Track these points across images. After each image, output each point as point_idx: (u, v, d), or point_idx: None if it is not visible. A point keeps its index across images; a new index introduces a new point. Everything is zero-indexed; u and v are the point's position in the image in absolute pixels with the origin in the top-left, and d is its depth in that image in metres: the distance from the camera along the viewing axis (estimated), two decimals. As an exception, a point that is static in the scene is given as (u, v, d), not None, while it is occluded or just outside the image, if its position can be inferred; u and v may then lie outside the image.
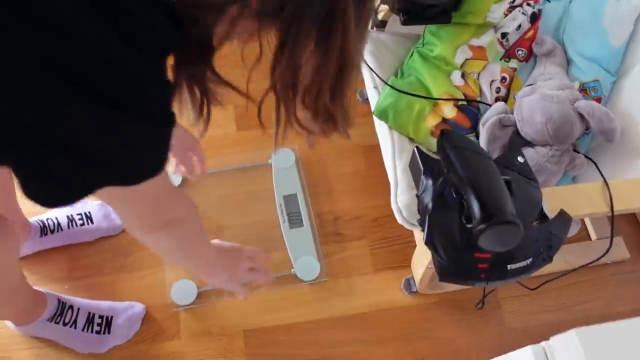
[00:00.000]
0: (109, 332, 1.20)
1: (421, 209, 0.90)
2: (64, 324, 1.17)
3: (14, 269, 0.98)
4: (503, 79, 1.16)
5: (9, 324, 1.16)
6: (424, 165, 0.92)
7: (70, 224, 1.29)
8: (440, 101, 1.13)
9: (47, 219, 1.29)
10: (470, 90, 1.14)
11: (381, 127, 1.15)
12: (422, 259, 1.17)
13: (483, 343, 1.28)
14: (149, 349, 1.23)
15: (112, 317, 1.21)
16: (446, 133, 0.83)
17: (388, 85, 1.14)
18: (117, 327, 1.21)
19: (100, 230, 1.32)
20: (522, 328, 1.30)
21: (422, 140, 1.14)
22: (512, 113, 1.10)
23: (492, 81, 1.16)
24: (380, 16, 1.28)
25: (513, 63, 1.17)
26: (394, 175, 1.10)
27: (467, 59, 1.16)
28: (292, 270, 1.32)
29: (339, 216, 1.40)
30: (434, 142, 1.13)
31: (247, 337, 1.26)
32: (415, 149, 0.93)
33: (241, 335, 1.26)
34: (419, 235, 1.17)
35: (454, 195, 0.85)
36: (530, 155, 1.08)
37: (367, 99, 1.21)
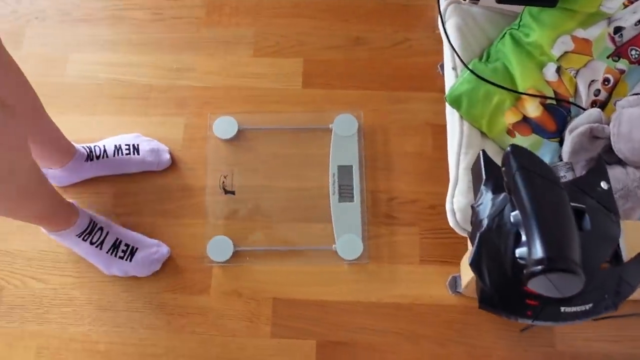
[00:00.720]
0: (130, 260, 1.21)
1: (474, 222, 0.79)
2: (91, 243, 1.19)
3: (20, 160, 0.94)
4: (606, 80, 1.00)
5: (42, 229, 1.18)
6: (486, 174, 0.81)
7: (116, 152, 1.28)
8: (524, 96, 0.99)
9: (95, 146, 1.28)
10: (564, 89, 0.99)
11: (452, 115, 1.03)
12: (470, 277, 1.07)
13: (524, 362, 1.18)
14: (176, 299, 1.22)
15: (136, 249, 1.22)
16: (516, 149, 0.71)
17: (468, 69, 1.01)
18: (138, 259, 1.22)
19: (145, 162, 1.31)
20: (572, 354, 1.18)
21: (495, 136, 1.01)
22: (608, 124, 0.95)
23: (592, 81, 1.00)
24: (475, -14, 1.13)
25: (622, 64, 1.00)
26: (455, 172, 0.98)
27: (566, 52, 1.00)
28: (333, 246, 1.25)
29: (394, 197, 1.31)
30: (509, 140, 1.01)
31: (275, 306, 1.22)
32: (481, 152, 0.82)
33: (270, 303, 1.22)
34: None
35: (512, 221, 0.74)
36: (618, 177, 0.93)
37: (448, 75, 1.08)
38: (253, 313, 1.22)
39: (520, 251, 0.70)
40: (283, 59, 1.43)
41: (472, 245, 0.80)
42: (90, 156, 1.27)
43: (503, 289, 0.75)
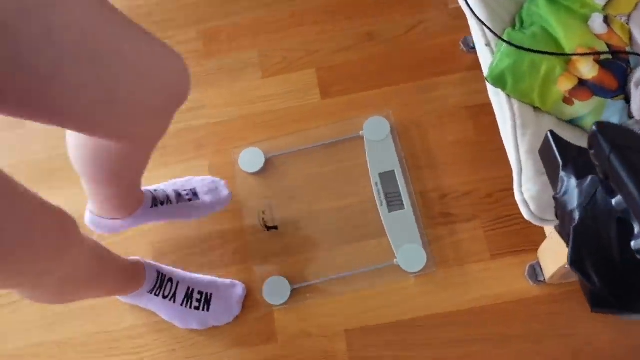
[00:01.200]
0: (207, 310, 1.13)
1: (563, 215, 0.69)
2: (164, 297, 1.11)
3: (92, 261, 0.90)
4: (661, 18, 0.88)
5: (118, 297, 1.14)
6: (563, 158, 0.70)
7: (177, 198, 1.19)
8: (575, 57, 0.88)
9: (155, 190, 1.18)
10: (617, 39, 0.88)
11: (497, 96, 0.92)
12: (554, 255, 0.96)
13: (635, 340, 1.07)
14: (244, 354, 1.14)
15: (211, 294, 1.14)
16: (602, 127, 0.61)
17: (504, 41, 0.90)
18: (216, 307, 1.14)
19: (205, 205, 1.21)
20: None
21: (550, 108, 0.90)
22: (678, 66, 0.83)
23: (647, 23, 0.88)
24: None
25: (676, -4, 0.88)
26: (516, 159, 0.88)
27: (610, -3, 0.89)
28: (394, 260, 1.16)
29: (446, 193, 1.21)
30: (567, 110, 0.89)
31: (349, 338, 1.13)
32: (549, 133, 0.71)
33: (343, 336, 1.13)
34: (551, 230, 0.96)
35: (614, 206, 0.63)
36: None
37: (473, 47, 0.98)
38: (327, 351, 1.13)
39: (637, 243, 0.59)
40: (294, 74, 1.33)
41: (567, 244, 0.69)
42: (155, 202, 1.16)
43: (617, 286, 0.64)
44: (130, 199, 1.08)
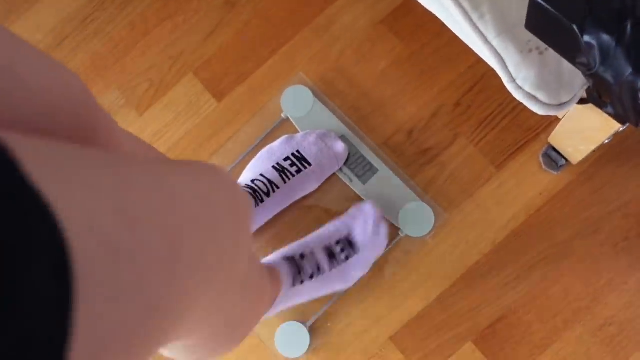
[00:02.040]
0: (356, 251, 0.89)
1: (614, 91, 0.48)
2: (310, 277, 0.86)
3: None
4: None
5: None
6: (573, 16, 0.48)
7: (283, 175, 0.93)
8: None
9: (254, 181, 0.92)
10: None
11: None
12: (582, 136, 0.76)
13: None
14: None
15: (348, 234, 0.90)
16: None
17: None
18: (362, 240, 0.89)
19: (322, 168, 0.95)
20: None
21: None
22: None
23: None
24: None
25: None
26: (490, 51, 0.66)
27: None
28: (399, 233, 0.94)
29: (411, 128, 0.99)
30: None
31: (398, 344, 0.92)
32: (533, -3, 0.50)
33: (391, 346, 0.92)
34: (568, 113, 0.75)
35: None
36: None
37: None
38: (385, 372, 0.92)
39: None
40: (173, 91, 1.06)
41: (636, 122, 0.49)
42: (258, 197, 0.91)
43: None
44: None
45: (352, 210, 0.92)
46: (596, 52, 0.47)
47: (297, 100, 1.00)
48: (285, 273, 0.83)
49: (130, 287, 0.27)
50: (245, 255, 0.45)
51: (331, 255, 0.88)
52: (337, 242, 0.89)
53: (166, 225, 0.31)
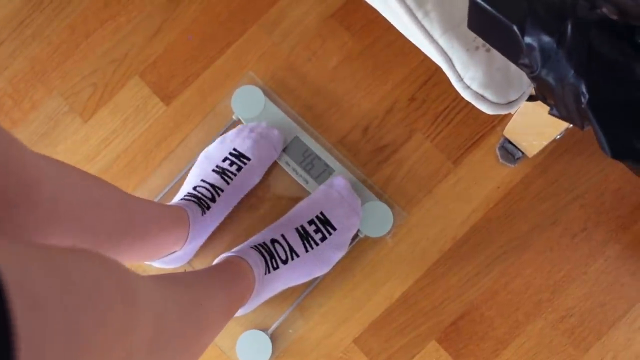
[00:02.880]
0: (333, 228, 0.87)
1: (557, 94, 0.46)
2: (284, 262, 0.83)
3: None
4: None
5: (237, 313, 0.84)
6: (512, 17, 0.46)
7: (224, 176, 0.89)
8: None
9: (196, 187, 0.88)
10: None
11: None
12: (536, 130, 0.75)
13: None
14: None
15: (322, 212, 0.87)
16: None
17: None
18: (338, 216, 0.87)
19: (262, 160, 0.92)
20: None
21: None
22: None
23: None
24: None
25: None
26: (436, 50, 0.63)
27: None
28: (359, 234, 0.92)
29: (367, 125, 0.96)
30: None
31: (362, 345, 0.90)
32: (473, -3, 0.47)
33: (355, 349, 0.91)
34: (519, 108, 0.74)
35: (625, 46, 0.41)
36: None
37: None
38: (349, 376, 0.90)
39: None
40: (118, 96, 1.02)
41: (580, 126, 0.47)
42: (203, 205, 0.86)
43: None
44: (171, 231, 0.79)
45: (322, 187, 0.90)
46: (537, 54, 0.45)
47: (247, 101, 0.96)
48: (255, 262, 0.80)
49: None
50: (146, 325, 0.43)
51: (305, 236, 0.85)
52: (310, 222, 0.86)
53: (64, 305, 0.31)
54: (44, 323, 0.29)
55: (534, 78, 0.46)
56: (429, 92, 0.95)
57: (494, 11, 0.46)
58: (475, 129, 0.94)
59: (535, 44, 0.45)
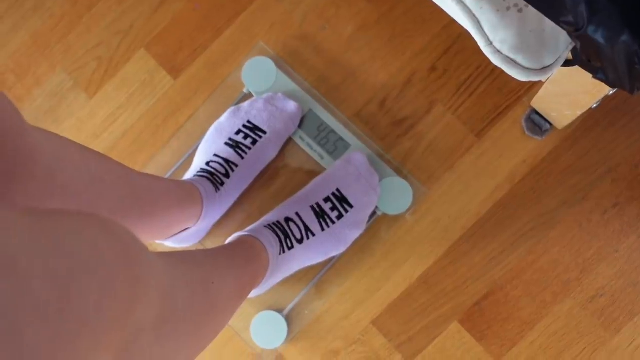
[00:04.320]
0: (350, 206, 0.83)
1: (607, 55, 0.41)
2: (299, 242, 0.80)
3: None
4: None
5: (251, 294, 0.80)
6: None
7: (238, 150, 0.85)
8: None
9: (209, 163, 0.84)
10: None
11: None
12: (568, 100, 0.70)
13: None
14: (280, 423, 0.87)
15: (338, 189, 0.83)
16: None
17: None
18: (355, 193, 0.83)
19: (279, 134, 0.88)
20: None
21: None
22: None
23: None
24: None
25: None
26: (464, 11, 0.58)
27: None
28: (376, 212, 0.88)
29: (384, 97, 0.91)
30: None
31: (381, 328, 0.87)
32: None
33: (374, 331, 0.87)
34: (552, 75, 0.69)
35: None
36: None
37: None
38: (369, 357, 0.87)
39: None
40: (124, 70, 0.98)
41: (631, 88, 0.42)
42: (217, 181, 0.82)
43: None
44: (184, 208, 0.75)
45: (339, 163, 0.86)
46: (584, 9, 0.40)
47: (258, 73, 0.92)
48: (269, 241, 0.77)
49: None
50: (151, 303, 0.40)
51: (320, 214, 0.82)
52: (326, 200, 0.83)
53: (51, 270, 0.27)
54: (23, 289, 0.25)
55: (579, 37, 0.41)
56: (450, 61, 0.90)
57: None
58: (499, 99, 0.89)
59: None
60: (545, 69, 0.58)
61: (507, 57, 0.58)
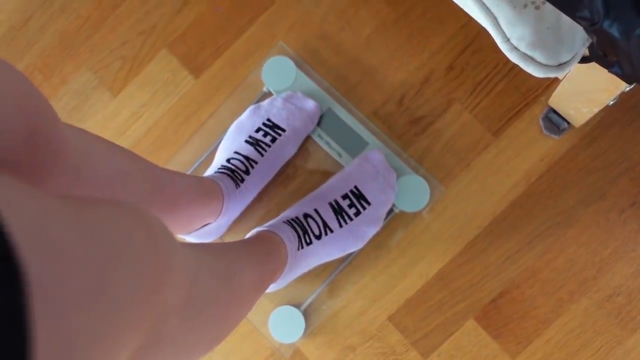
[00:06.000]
0: (368, 203, 0.85)
1: (623, 49, 0.42)
2: (317, 238, 0.82)
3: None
4: None
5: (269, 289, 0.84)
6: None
7: (258, 148, 0.87)
8: None
9: (230, 160, 0.86)
10: None
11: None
12: (586, 98, 0.70)
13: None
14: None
15: (356, 186, 0.85)
16: None
17: None
18: (372, 190, 0.85)
19: (298, 132, 0.90)
20: None
21: None
22: None
23: None
24: None
25: None
26: (481, 8, 0.59)
27: None
28: (394, 209, 0.89)
29: (402, 96, 0.93)
30: None
31: (397, 324, 0.88)
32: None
33: (390, 327, 0.88)
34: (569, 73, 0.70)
35: None
36: None
37: None
38: (385, 352, 0.88)
39: None
40: (147, 68, 1.00)
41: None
42: (237, 177, 0.85)
43: None
44: (204, 204, 0.78)
45: (357, 161, 0.87)
46: (600, 3, 0.41)
47: (278, 72, 0.93)
48: (288, 237, 0.78)
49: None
50: (179, 286, 0.42)
51: (339, 211, 0.83)
52: (344, 197, 0.84)
53: (90, 256, 0.29)
54: (67, 274, 0.26)
55: (595, 32, 0.42)
56: (467, 60, 0.91)
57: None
58: (517, 98, 0.89)
59: (597, -8, 0.41)
60: (562, 65, 0.59)
61: (525, 53, 0.58)
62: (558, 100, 0.78)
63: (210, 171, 0.87)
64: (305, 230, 0.81)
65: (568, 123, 0.85)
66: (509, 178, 0.88)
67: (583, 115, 0.76)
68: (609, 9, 0.41)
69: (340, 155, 0.91)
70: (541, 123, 0.87)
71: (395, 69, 0.93)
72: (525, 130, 0.88)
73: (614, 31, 0.41)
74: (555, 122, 0.86)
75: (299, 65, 0.94)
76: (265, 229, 0.80)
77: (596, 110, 0.71)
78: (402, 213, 0.89)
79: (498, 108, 0.90)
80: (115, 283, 0.31)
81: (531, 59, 0.59)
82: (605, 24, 0.41)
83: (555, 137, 0.87)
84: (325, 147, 0.91)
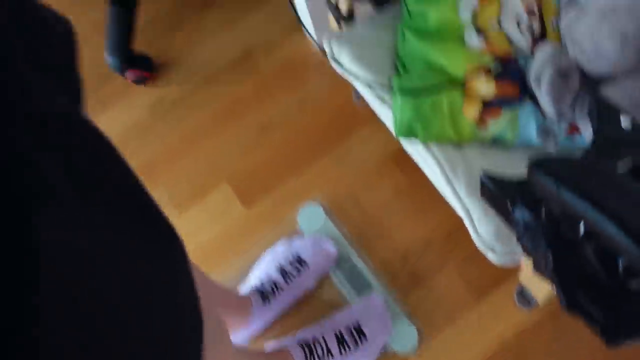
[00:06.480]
0: (366, 338, 1.02)
1: (535, 257, 0.62)
2: None
3: None
4: (531, 12, 0.86)
5: None
6: (505, 195, 0.64)
7: (285, 277, 1.07)
8: (470, 81, 0.83)
9: (262, 283, 1.07)
10: (498, 47, 0.85)
11: (413, 147, 0.87)
12: (539, 283, 0.89)
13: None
14: None
15: (357, 322, 1.03)
16: (534, 167, 0.55)
17: (396, 93, 0.85)
18: (371, 329, 1.03)
19: (318, 268, 1.10)
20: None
21: (468, 138, 0.85)
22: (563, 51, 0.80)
23: (519, 22, 0.85)
24: (343, 7, 1.00)
25: (533, -14, 0.86)
26: (460, 205, 0.81)
27: (474, 9, 0.86)
28: (387, 348, 1.05)
29: (406, 253, 1.13)
30: (485, 133, 0.84)
31: None
32: (482, 176, 0.65)
33: None
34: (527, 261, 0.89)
35: (579, 230, 0.57)
36: (619, 95, 0.78)
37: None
38: None
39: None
40: (209, 196, 1.24)
41: (552, 285, 0.62)
42: (265, 296, 1.05)
43: (624, 314, 0.57)
44: (235, 313, 1.00)
45: (362, 301, 1.07)
46: (520, 226, 0.61)
47: (311, 217, 1.16)
48: (298, 355, 0.97)
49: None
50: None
51: (341, 341, 1.01)
52: (347, 329, 1.03)
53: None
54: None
55: (520, 241, 0.62)
56: (464, 232, 1.11)
57: (493, 189, 0.64)
58: (500, 272, 1.07)
59: (519, 218, 0.61)
60: (513, 258, 0.78)
61: (487, 245, 0.79)
62: (524, 279, 0.97)
63: (245, 289, 1.07)
64: (311, 351, 0.99)
65: (535, 304, 1.02)
66: (485, 341, 1.04)
67: (543, 295, 0.94)
68: (526, 230, 0.61)
69: (348, 293, 1.10)
70: (515, 296, 1.04)
71: (405, 231, 1.14)
72: (501, 300, 1.06)
73: (529, 245, 0.61)
74: (526, 297, 1.03)
75: (327, 213, 1.16)
76: (282, 346, 0.99)
77: (537, 291, 0.89)
78: (394, 353, 1.05)
79: (482, 277, 1.08)
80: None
81: (492, 250, 0.79)
82: (524, 240, 0.61)
83: (526, 310, 1.03)
84: (337, 284, 1.10)
